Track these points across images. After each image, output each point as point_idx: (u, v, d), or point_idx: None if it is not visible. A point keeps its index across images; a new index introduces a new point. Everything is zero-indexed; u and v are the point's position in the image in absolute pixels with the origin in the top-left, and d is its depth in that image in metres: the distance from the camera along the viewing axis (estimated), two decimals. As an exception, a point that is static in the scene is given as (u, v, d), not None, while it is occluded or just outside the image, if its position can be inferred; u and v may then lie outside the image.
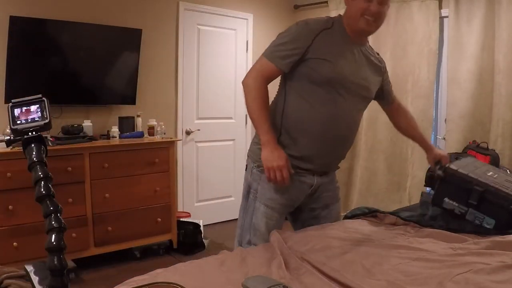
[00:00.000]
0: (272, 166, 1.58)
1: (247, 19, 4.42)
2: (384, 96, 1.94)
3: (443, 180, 1.72)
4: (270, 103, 1.72)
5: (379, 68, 1.80)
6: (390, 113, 2.02)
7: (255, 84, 1.62)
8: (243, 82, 1.66)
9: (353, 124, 1.75)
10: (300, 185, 1.72)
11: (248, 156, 1.80)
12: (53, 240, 0.85)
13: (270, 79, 1.64)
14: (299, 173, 1.70)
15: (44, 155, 0.96)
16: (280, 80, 1.73)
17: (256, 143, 1.74)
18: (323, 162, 1.72)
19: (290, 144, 1.66)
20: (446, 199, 1.70)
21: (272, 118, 1.70)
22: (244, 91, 1.64)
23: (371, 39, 4.10)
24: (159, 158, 3.41)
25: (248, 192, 1.75)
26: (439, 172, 1.75)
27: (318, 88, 1.61)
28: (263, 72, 1.62)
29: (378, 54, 1.85)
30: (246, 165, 1.80)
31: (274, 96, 1.77)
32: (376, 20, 1.61)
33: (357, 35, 1.67)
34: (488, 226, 1.60)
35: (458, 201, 1.67)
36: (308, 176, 1.72)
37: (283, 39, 1.62)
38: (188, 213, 3.97)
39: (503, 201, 1.56)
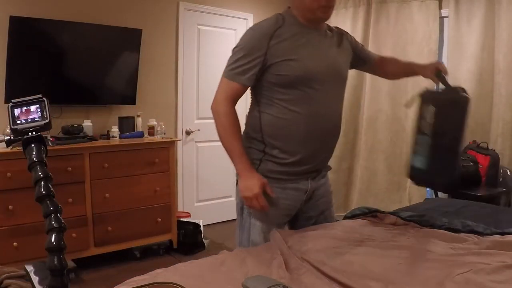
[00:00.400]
0: (248, 196, 1.55)
1: (247, 19, 4.41)
2: (366, 61, 1.86)
3: (459, 102, 1.47)
4: (247, 115, 1.70)
5: (344, 43, 1.73)
6: (376, 69, 1.92)
7: (223, 109, 1.57)
8: (211, 108, 1.60)
9: (336, 114, 1.68)
10: (295, 192, 1.67)
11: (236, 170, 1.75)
12: (53, 240, 0.84)
13: (237, 98, 1.59)
14: (292, 180, 1.65)
15: (44, 155, 0.95)
16: (251, 93, 1.68)
17: None
18: (315, 160, 1.67)
19: (278, 153, 1.62)
20: (433, 109, 1.48)
21: (251, 132, 1.66)
22: (214, 117, 1.60)
23: (371, 39, 4.13)
24: (159, 158, 3.41)
25: (241, 208, 1.70)
26: (466, 94, 1.48)
27: (290, 90, 1.56)
28: (228, 94, 1.57)
29: (336, 27, 1.77)
30: (237, 180, 1.73)
31: (248, 110, 1.72)
32: (332, 6, 1.57)
33: (314, 24, 1.61)
34: (417, 163, 1.47)
35: (437, 119, 1.47)
36: (302, 182, 1.67)
37: (238, 53, 1.55)
38: (188, 213, 3.96)
39: (455, 166, 1.45)
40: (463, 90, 1.51)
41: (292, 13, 1.62)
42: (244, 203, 1.62)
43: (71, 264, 2.92)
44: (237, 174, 1.62)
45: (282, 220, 1.70)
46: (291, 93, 1.56)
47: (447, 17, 3.74)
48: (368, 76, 4.13)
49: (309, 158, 1.65)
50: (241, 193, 1.59)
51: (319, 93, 1.58)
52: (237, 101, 1.61)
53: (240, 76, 1.55)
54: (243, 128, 1.70)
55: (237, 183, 1.73)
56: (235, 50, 1.58)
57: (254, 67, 1.53)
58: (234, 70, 1.55)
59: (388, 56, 1.96)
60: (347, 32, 1.80)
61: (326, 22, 1.71)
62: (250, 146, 1.67)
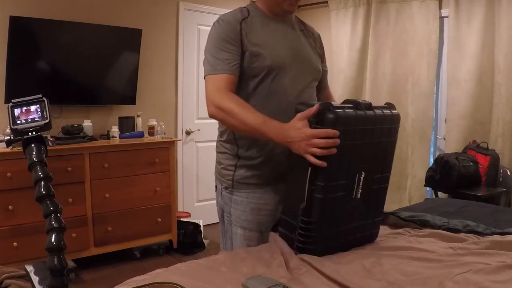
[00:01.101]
0: (304, 151, 1.26)
1: (247, 19, 4.42)
2: (320, 78, 1.70)
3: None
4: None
5: (313, 41, 1.67)
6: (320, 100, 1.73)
7: (220, 97, 1.40)
8: (210, 114, 1.45)
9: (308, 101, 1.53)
10: (276, 196, 1.56)
11: (215, 177, 1.67)
12: (53, 240, 0.84)
13: (230, 89, 1.44)
14: (272, 183, 1.56)
15: (44, 155, 0.95)
16: None
17: (219, 163, 1.63)
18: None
19: (251, 154, 1.54)
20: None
21: (225, 134, 1.58)
22: (219, 118, 1.44)
23: (371, 39, 4.12)
24: (159, 158, 3.41)
25: (222, 216, 1.66)
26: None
27: (257, 83, 1.49)
28: (219, 86, 1.42)
29: (312, 28, 1.72)
30: (216, 186, 1.69)
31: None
32: (297, 0, 1.54)
33: (280, 16, 1.57)
34: None
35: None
36: (280, 185, 1.52)
37: (214, 47, 1.45)
38: (188, 213, 3.97)
39: None
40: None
41: (256, 6, 1.57)
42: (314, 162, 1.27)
43: (71, 264, 2.92)
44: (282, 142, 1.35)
45: (265, 227, 1.57)
46: (258, 86, 1.50)
47: (447, 17, 3.74)
48: (368, 76, 4.13)
49: (283, 153, 1.48)
50: (298, 152, 1.29)
51: (290, 81, 1.52)
52: (232, 91, 1.45)
53: (227, 66, 1.43)
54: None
55: (216, 189, 1.69)
56: (208, 48, 1.49)
57: (235, 54, 1.45)
58: (216, 63, 1.44)
59: (331, 95, 1.81)
60: (319, 36, 1.73)
61: (300, 19, 1.68)
62: (224, 151, 1.61)
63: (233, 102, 1.39)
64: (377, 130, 1.38)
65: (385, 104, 1.48)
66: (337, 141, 1.24)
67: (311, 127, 1.28)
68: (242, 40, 1.46)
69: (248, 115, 1.36)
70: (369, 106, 1.36)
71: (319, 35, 1.74)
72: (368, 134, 1.35)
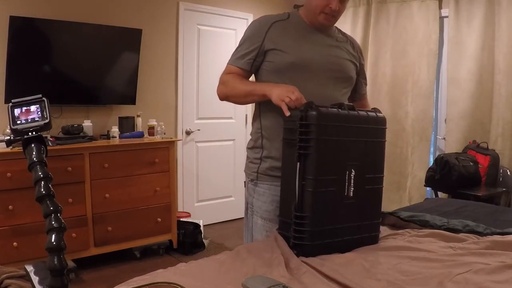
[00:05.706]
0: (281, 97, 1.43)
1: (247, 19, 4.41)
2: (355, 89, 1.79)
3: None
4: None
5: (352, 51, 1.72)
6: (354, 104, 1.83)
7: (223, 76, 1.65)
8: (218, 93, 1.66)
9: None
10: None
11: (244, 172, 1.76)
12: (53, 240, 0.84)
13: None
14: None
15: (44, 155, 0.95)
16: None
17: (247, 157, 1.73)
18: None
19: (271, 146, 1.61)
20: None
21: (253, 127, 1.71)
22: (224, 92, 1.64)
23: (371, 39, 4.13)
24: (159, 158, 3.41)
25: (246, 208, 1.72)
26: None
27: (283, 79, 1.56)
28: (227, 73, 1.66)
29: (351, 37, 1.78)
30: (245, 182, 1.75)
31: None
32: (335, 16, 1.59)
33: (317, 26, 1.64)
34: None
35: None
36: None
37: (240, 43, 1.66)
38: (188, 213, 3.97)
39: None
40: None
41: (298, 13, 1.67)
42: (284, 110, 1.43)
43: (71, 264, 2.92)
44: (265, 95, 1.52)
45: None
46: (284, 82, 1.56)
47: (447, 17, 3.74)
48: (368, 76, 4.13)
49: None
50: (277, 101, 1.46)
51: (314, 83, 1.57)
52: None
53: (239, 60, 1.63)
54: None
55: (245, 185, 1.74)
56: (240, 41, 1.67)
57: (251, 53, 1.61)
58: (235, 56, 1.65)
59: (366, 103, 1.89)
60: (358, 44, 1.80)
61: (342, 31, 1.74)
62: (251, 146, 1.70)
63: (232, 77, 1.62)
64: (362, 129, 1.44)
65: (371, 109, 1.54)
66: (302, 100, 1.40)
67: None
68: (264, 40, 1.59)
69: (243, 82, 1.59)
70: (352, 107, 1.45)
71: (359, 47, 1.81)
72: (352, 132, 1.42)
